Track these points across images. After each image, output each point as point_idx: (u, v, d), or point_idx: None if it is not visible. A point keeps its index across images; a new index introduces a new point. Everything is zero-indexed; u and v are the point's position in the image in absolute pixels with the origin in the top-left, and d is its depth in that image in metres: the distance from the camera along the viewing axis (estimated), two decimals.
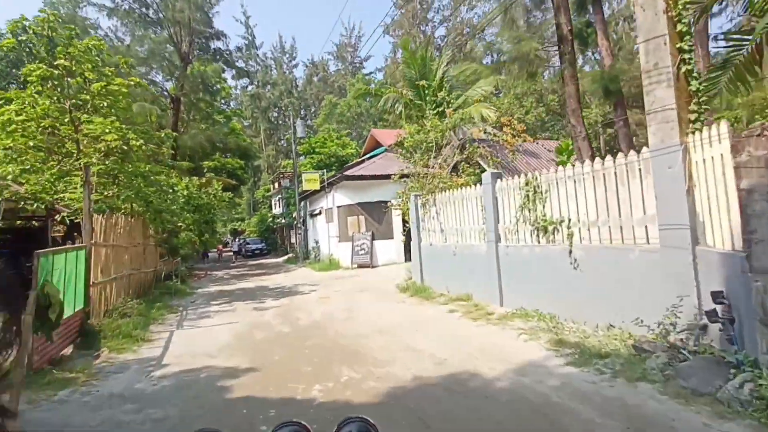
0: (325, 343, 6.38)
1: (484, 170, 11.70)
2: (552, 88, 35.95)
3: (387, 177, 16.71)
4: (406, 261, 16.80)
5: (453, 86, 24.81)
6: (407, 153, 20.99)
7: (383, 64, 58.00)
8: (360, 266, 16.92)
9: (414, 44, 46.65)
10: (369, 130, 47.78)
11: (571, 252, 5.83)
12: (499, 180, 7.59)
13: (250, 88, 60.18)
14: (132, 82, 9.99)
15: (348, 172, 17.31)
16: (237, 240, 36.25)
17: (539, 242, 6.51)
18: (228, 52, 22.37)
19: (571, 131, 13.96)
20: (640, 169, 4.91)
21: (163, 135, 12.05)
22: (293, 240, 32.56)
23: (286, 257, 28.90)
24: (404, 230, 11.84)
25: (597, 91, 18.31)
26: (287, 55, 64.14)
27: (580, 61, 37.26)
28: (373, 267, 16.62)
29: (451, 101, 25.70)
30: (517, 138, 12.38)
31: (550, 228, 6.24)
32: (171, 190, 17.06)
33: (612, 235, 5.31)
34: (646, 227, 4.87)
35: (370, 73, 58.82)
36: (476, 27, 45.26)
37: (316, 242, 21.50)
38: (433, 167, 11.96)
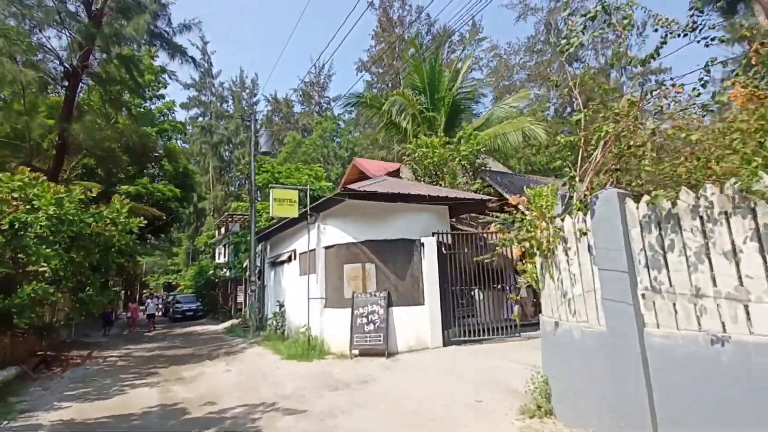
0: None
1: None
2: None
3: (420, 200, 9.89)
4: (445, 345, 9.65)
5: (470, 100, 19.01)
6: (426, 170, 14.35)
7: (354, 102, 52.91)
8: (364, 353, 9.48)
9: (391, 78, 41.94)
10: (336, 173, 41.47)
11: None
12: None
13: (201, 119, 53.10)
14: None
15: (355, 186, 10.22)
16: (159, 298, 26.75)
17: None
18: (167, 23, 15.53)
19: None
20: None
21: None
22: (240, 299, 24.31)
23: (228, 324, 20.55)
24: (524, 287, 5.04)
25: None
26: (247, 90, 57.98)
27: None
28: (389, 355, 9.23)
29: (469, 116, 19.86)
30: None
31: None
32: (28, 205, 9.38)
33: None
34: None
35: (340, 113, 53.47)
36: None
37: (281, 305, 13.82)
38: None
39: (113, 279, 41.10)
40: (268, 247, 16.76)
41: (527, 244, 5.18)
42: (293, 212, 10.90)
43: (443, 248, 10.24)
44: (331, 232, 10.77)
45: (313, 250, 11.23)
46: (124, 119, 14.98)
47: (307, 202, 10.71)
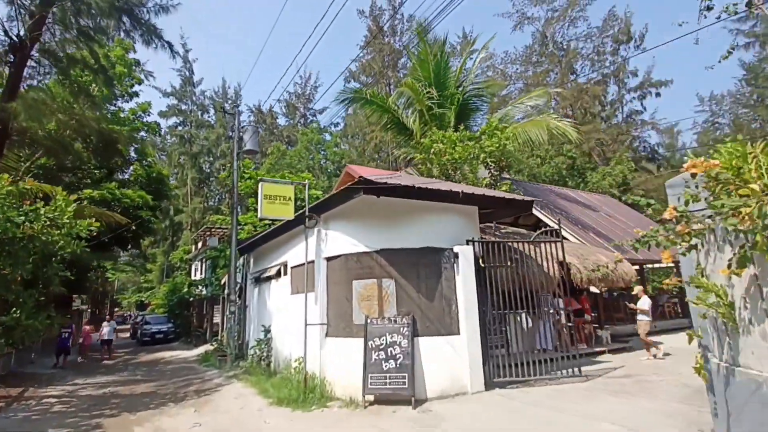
0: None
1: None
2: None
3: (455, 197, 7.74)
4: (487, 388, 7.37)
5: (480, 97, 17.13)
6: (443, 168, 12.14)
7: (343, 113, 50.96)
8: (382, 400, 7.13)
9: (384, 88, 40.21)
10: (323, 186, 39.13)
11: None
12: None
13: (180, 128, 50.39)
14: None
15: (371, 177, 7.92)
16: (127, 317, 23.13)
17: None
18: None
19: None
20: None
21: None
22: (217, 320, 21.58)
23: (201, 350, 17.80)
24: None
25: None
26: (230, 101, 55.58)
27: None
28: (416, 404, 6.89)
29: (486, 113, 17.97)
30: None
31: None
32: None
33: None
34: None
35: (327, 126, 51.47)
36: None
37: (266, 331, 11.37)
38: None
39: (78, 297, 37.44)
40: (252, 261, 14.31)
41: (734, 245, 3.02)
42: (288, 212, 8.58)
43: (480, 261, 8.06)
44: (335, 239, 8.48)
45: (312, 261, 8.89)
46: (81, 105, 12.45)
47: (305, 197, 8.42)
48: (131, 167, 21.97)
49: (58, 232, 8.81)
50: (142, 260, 51.13)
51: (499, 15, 34.53)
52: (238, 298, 14.27)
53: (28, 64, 12.28)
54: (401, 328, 7.42)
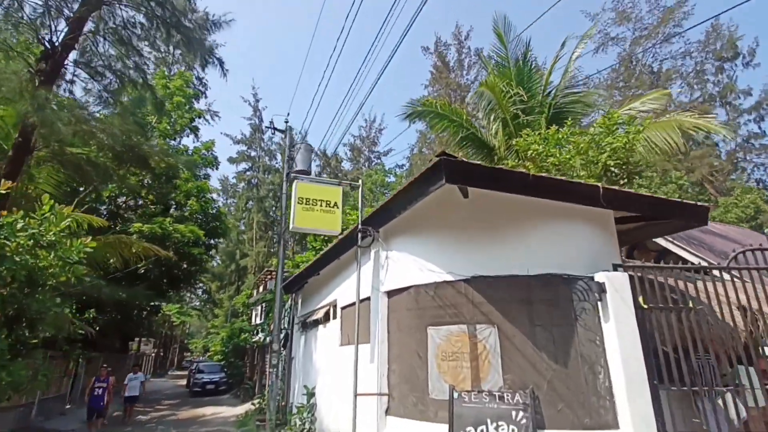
0: None
1: None
2: (686, 163, 24.99)
3: (586, 197, 4.61)
4: None
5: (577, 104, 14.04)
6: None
7: (408, 153, 49.37)
8: None
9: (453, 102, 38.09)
10: None
11: None
12: None
13: (248, 173, 51.36)
14: None
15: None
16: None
17: None
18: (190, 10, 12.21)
19: None
20: None
21: None
22: (268, 369, 19.13)
23: (245, 409, 15.22)
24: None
25: None
26: (296, 147, 56.26)
27: None
28: None
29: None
30: None
31: None
32: None
33: None
34: None
35: (392, 167, 50.03)
36: None
37: (310, 394, 8.55)
38: None
39: (148, 340, 36.72)
40: (300, 302, 11.81)
41: None
42: (332, 224, 5.96)
43: (641, 300, 4.84)
44: (400, 264, 5.68)
45: (366, 299, 6.12)
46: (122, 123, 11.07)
47: (359, 206, 5.80)
48: (188, 202, 20.92)
49: (47, 253, 6.85)
50: (212, 304, 51.24)
51: (577, 37, 31.38)
52: (282, 348, 11.70)
53: (67, 78, 11.32)
54: (514, 413, 4.31)
